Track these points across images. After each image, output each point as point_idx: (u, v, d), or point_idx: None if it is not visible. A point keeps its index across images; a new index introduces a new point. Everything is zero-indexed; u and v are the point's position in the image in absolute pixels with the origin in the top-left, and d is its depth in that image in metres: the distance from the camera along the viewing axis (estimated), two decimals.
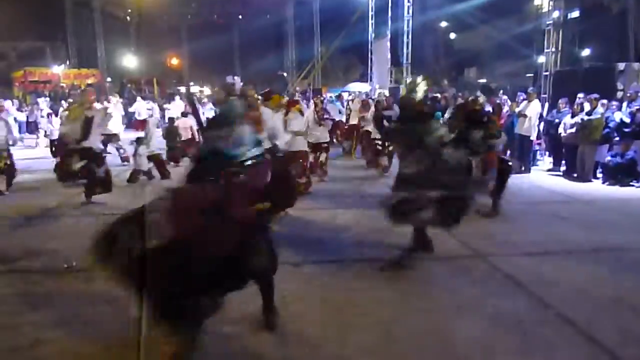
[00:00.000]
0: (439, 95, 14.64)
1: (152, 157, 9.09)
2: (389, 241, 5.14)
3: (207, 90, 26.72)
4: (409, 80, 21.95)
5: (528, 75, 22.91)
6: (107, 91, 22.55)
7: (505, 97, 12.69)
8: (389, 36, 24.01)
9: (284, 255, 3.61)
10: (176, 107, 15.85)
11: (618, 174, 8.82)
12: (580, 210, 7.02)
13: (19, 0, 27.12)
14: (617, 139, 9.10)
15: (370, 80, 26.09)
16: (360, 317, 3.59)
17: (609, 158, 9.07)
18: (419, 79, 5.00)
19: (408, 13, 22.15)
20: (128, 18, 32.43)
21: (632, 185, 8.68)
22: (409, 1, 22.04)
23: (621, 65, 11.64)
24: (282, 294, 3.58)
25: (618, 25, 16.05)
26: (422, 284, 4.29)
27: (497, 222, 6.24)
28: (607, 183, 8.90)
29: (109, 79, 28.96)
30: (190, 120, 10.98)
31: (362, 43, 26.57)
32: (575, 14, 18.21)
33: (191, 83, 31.44)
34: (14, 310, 3.71)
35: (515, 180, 9.31)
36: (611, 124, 9.10)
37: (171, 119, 11.80)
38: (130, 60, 31.48)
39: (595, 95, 9.30)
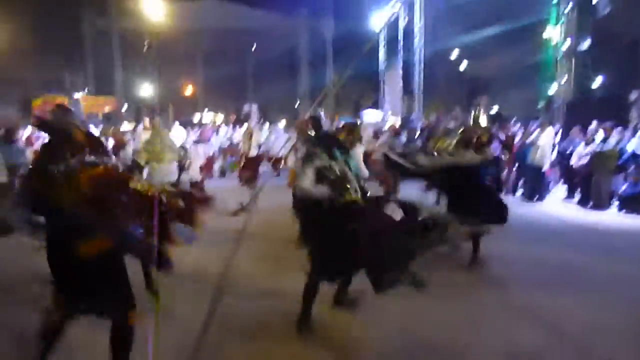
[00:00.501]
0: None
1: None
2: None
3: (220, 117, 27.08)
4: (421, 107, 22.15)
5: (540, 104, 22.94)
6: (123, 117, 23.02)
7: (517, 125, 12.70)
8: (401, 64, 24.36)
9: None
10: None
11: (634, 203, 8.72)
12: (596, 240, 6.94)
13: (38, 28, 28.02)
14: (632, 168, 9.05)
15: (382, 108, 26.34)
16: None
17: (624, 187, 8.99)
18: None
19: (419, 43, 22.51)
20: (145, 46, 33.30)
21: None
22: (420, 31, 22.43)
23: (634, 94, 11.65)
24: None
25: (629, 55, 16.10)
26: (434, 311, 4.24)
27: (512, 252, 6.18)
28: (623, 212, 8.81)
29: (125, 106, 29.61)
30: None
31: (375, 71, 26.96)
32: (587, 43, 18.31)
33: (205, 109, 31.98)
34: None
35: (529, 209, 9.30)
36: (625, 154, 9.07)
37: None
38: (146, 88, 32.22)
39: (610, 124, 9.30)
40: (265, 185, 8.51)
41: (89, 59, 29.79)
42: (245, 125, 14.80)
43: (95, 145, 3.14)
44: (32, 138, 12.92)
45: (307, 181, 3.76)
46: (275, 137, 13.76)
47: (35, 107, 26.69)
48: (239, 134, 14.43)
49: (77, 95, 28.39)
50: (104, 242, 2.87)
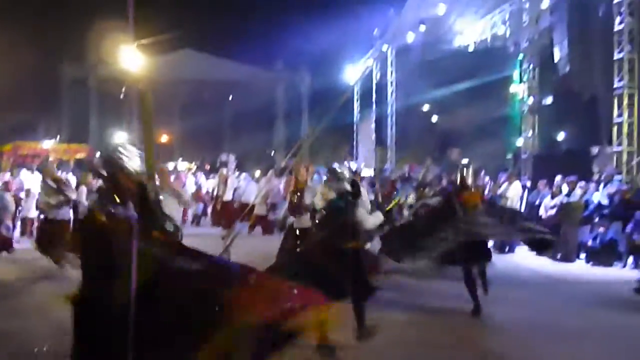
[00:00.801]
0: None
1: None
2: None
3: (193, 166, 27.03)
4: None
5: (508, 156, 23.72)
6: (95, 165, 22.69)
7: (487, 177, 13.06)
8: (374, 117, 25.05)
9: None
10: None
11: (601, 255, 8.94)
12: (564, 291, 7.04)
13: (16, 74, 27.92)
14: (597, 220, 9.34)
15: (356, 159, 26.75)
16: None
17: (590, 240, 9.23)
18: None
19: (392, 96, 23.31)
20: (122, 96, 33.41)
21: (615, 266, 8.78)
22: (392, 86, 23.27)
23: (595, 149, 12.22)
24: None
25: (589, 111, 16.94)
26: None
27: (483, 304, 6.19)
28: (590, 263, 8.99)
29: (98, 154, 29.25)
30: None
31: (348, 124, 27.59)
32: (549, 99, 19.26)
33: (180, 158, 31.89)
34: None
35: (500, 260, 9.39)
36: (591, 206, 9.37)
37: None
38: (121, 136, 32.03)
39: (573, 178, 9.65)
40: (238, 234, 8.53)
41: (64, 106, 29.64)
42: (222, 171, 14.89)
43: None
44: (10, 183, 12.51)
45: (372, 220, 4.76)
46: (246, 185, 13.88)
47: (5, 152, 26.16)
48: (211, 182, 14.47)
49: (49, 142, 28.01)
50: None
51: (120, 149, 3.16)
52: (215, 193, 13.61)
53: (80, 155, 26.08)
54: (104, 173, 3.15)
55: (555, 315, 5.73)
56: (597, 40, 15.49)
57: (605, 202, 9.36)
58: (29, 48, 27.60)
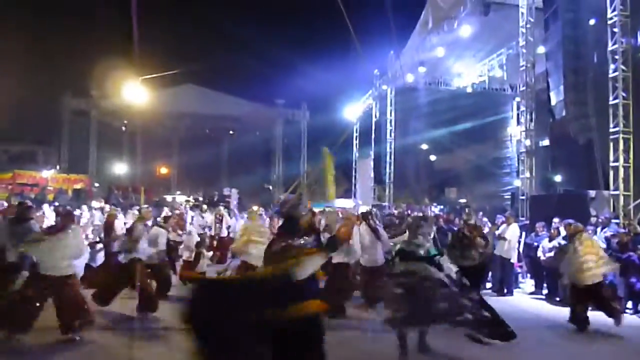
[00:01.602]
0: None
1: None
2: None
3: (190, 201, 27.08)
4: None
5: (506, 197, 23.79)
6: (93, 196, 22.66)
7: (485, 219, 13.05)
8: (372, 156, 25.25)
9: None
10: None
11: None
12: (567, 337, 6.91)
13: (16, 105, 28.23)
14: None
15: (354, 196, 26.80)
16: None
17: None
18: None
19: (390, 136, 23.57)
20: (123, 128, 33.72)
21: None
22: (391, 125, 23.57)
23: (592, 193, 12.26)
24: None
25: (585, 155, 17.08)
26: None
27: (484, 349, 6.07)
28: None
29: (96, 184, 29.26)
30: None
31: (347, 161, 27.78)
32: (546, 142, 19.47)
33: (178, 192, 31.87)
34: None
35: (498, 303, 9.27)
36: None
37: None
38: (120, 168, 32.14)
39: (570, 221, 9.61)
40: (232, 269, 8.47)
41: (65, 136, 29.85)
42: (218, 209, 14.95)
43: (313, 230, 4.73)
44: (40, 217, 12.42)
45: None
46: (237, 221, 13.93)
47: (3, 180, 26.15)
48: (208, 218, 14.45)
49: (48, 172, 28.04)
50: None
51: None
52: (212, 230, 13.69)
53: (78, 186, 26.08)
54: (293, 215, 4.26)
55: None
56: (592, 86, 15.81)
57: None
58: (31, 80, 28.05)
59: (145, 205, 14.64)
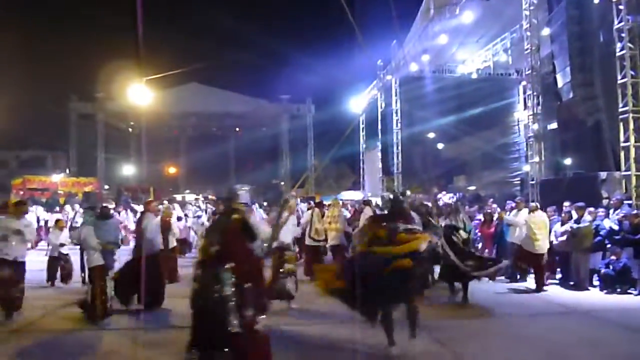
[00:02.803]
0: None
1: None
2: None
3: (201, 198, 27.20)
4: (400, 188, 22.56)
5: (515, 182, 23.62)
6: (103, 198, 22.83)
7: (495, 205, 12.95)
8: (379, 147, 25.14)
9: None
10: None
11: (614, 282, 8.73)
12: (580, 322, 6.84)
13: (25, 111, 28.50)
14: (609, 246, 9.17)
15: (363, 188, 26.76)
16: None
17: (604, 267, 9.03)
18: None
19: (397, 126, 23.45)
20: (130, 129, 33.91)
21: (630, 293, 8.56)
22: (397, 115, 23.44)
23: (603, 174, 12.11)
24: None
25: (594, 136, 16.92)
26: None
27: (496, 336, 6.06)
28: (604, 291, 8.78)
29: (106, 187, 29.49)
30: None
31: (354, 153, 27.70)
32: (554, 125, 19.28)
33: (187, 190, 32.02)
34: None
35: (512, 289, 9.24)
36: (602, 232, 9.21)
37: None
38: (129, 169, 32.36)
39: (581, 204, 9.52)
40: None
41: (73, 140, 30.08)
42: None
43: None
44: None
45: None
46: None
47: (14, 186, 26.45)
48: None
49: (58, 176, 28.29)
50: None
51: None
52: None
53: (88, 189, 26.27)
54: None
55: (572, 349, 5.56)
56: (599, 66, 15.61)
57: (616, 227, 9.22)
58: (38, 86, 28.26)
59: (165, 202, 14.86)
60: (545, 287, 9.10)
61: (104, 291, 6.49)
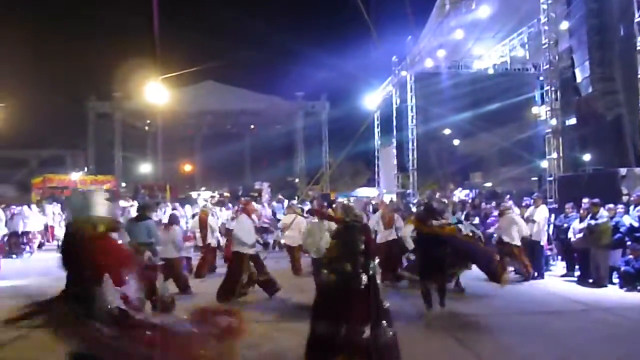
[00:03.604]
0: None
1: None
2: None
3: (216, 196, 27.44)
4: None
5: (533, 179, 23.33)
6: (120, 195, 23.15)
7: (511, 202, 12.81)
8: (395, 143, 25.00)
9: None
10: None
11: (634, 280, 8.58)
12: (599, 320, 6.75)
13: (44, 111, 29.00)
14: (629, 243, 9.01)
15: (378, 185, 26.67)
16: None
17: (624, 264, 8.88)
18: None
19: (412, 122, 23.29)
20: (147, 128, 34.29)
21: None
22: (412, 111, 23.29)
23: (623, 171, 11.88)
24: None
25: (614, 132, 16.59)
26: None
27: (515, 334, 6.01)
28: (624, 289, 8.63)
29: (123, 184, 29.89)
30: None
31: (369, 150, 27.59)
32: (572, 121, 18.96)
33: (203, 188, 32.28)
34: None
35: (529, 287, 9.15)
36: (622, 229, 9.06)
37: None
38: (145, 167, 32.75)
39: (597, 200, 9.36)
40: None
41: (91, 139, 30.52)
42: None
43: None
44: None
45: None
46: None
47: (35, 185, 26.99)
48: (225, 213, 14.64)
49: (77, 174, 28.76)
50: None
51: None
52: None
53: (107, 186, 26.66)
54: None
55: (591, 347, 5.49)
56: (619, 60, 15.30)
57: (636, 224, 9.05)
58: (57, 86, 28.71)
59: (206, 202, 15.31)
60: (563, 285, 8.98)
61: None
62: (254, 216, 8.65)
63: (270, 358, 5.13)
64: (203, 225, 10.45)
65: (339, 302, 4.30)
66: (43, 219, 16.22)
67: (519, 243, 9.56)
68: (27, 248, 14.31)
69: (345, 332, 4.15)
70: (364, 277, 4.33)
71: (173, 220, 8.83)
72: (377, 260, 4.62)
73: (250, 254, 7.90)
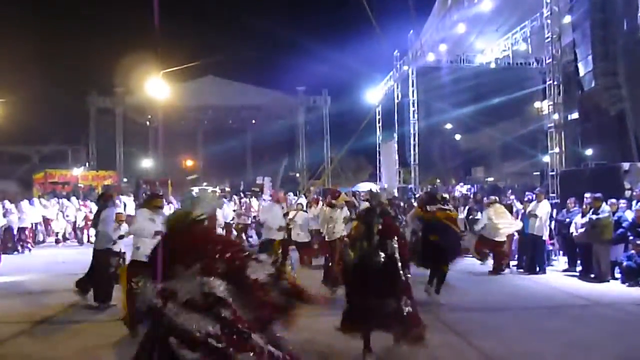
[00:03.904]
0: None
1: None
2: None
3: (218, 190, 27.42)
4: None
5: (535, 174, 23.27)
6: (121, 191, 23.13)
7: (512, 197, 12.78)
8: (396, 138, 24.94)
9: None
10: None
11: (636, 275, 8.56)
12: (601, 315, 6.74)
13: (45, 106, 29.00)
14: (632, 238, 8.98)
15: (379, 180, 26.63)
16: None
17: (626, 259, 8.85)
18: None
19: (414, 117, 23.22)
20: (148, 123, 34.26)
21: None
22: (413, 106, 23.22)
23: (626, 165, 11.83)
24: None
25: (617, 126, 16.55)
26: None
27: (518, 329, 6.00)
28: (626, 284, 8.62)
29: (125, 180, 29.87)
30: None
31: (371, 145, 27.54)
32: (575, 115, 18.90)
33: (204, 183, 32.26)
34: None
35: (531, 281, 9.14)
36: (625, 224, 9.03)
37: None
38: (147, 163, 32.76)
39: (598, 195, 9.32)
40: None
41: (92, 134, 30.49)
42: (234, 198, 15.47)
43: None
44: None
45: None
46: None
47: (36, 180, 27.00)
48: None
49: (78, 169, 28.77)
50: None
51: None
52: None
53: (108, 182, 26.65)
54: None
55: (591, 341, 5.48)
56: (622, 54, 15.22)
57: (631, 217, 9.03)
58: (58, 81, 28.68)
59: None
60: (564, 279, 8.99)
61: None
62: (283, 204, 9.50)
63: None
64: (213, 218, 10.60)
65: (365, 278, 4.73)
66: (42, 211, 16.21)
67: (501, 239, 9.95)
68: (28, 245, 14.22)
69: (375, 304, 4.61)
70: (383, 255, 4.73)
71: None
72: (395, 240, 4.93)
73: (279, 239, 8.51)
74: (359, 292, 4.74)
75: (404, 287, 4.77)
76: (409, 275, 4.92)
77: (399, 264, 4.83)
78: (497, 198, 11.04)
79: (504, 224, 10.07)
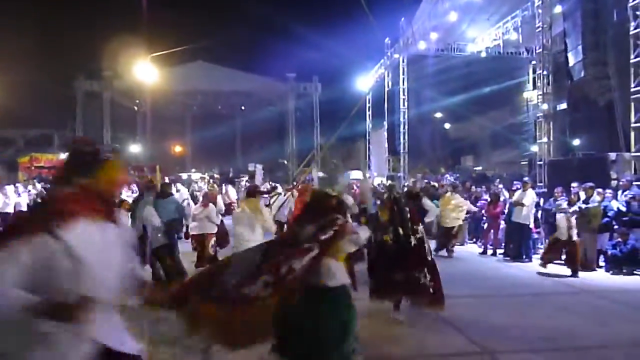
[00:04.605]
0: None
1: None
2: None
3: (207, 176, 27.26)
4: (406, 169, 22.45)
5: (523, 163, 23.45)
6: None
7: (501, 185, 12.87)
8: (386, 127, 24.94)
9: None
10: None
11: (621, 263, 8.70)
12: (586, 302, 6.85)
13: (31, 90, 28.48)
14: (617, 227, 9.11)
15: (369, 168, 26.67)
16: None
17: (611, 248, 8.98)
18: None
19: (404, 105, 23.21)
20: (136, 108, 33.85)
21: (636, 274, 8.54)
22: (404, 94, 23.20)
23: (613, 155, 11.96)
24: None
25: (606, 117, 16.67)
26: None
27: (504, 315, 6.07)
28: (611, 272, 8.76)
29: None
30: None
31: (361, 133, 27.51)
32: (564, 105, 19.00)
33: (193, 170, 32.07)
34: None
35: (518, 269, 9.24)
36: (610, 213, 9.15)
37: None
38: (135, 148, 32.42)
39: (590, 184, 9.43)
40: None
41: (79, 119, 30.06)
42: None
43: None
44: None
45: None
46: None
47: (22, 164, 26.60)
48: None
49: (64, 154, 28.40)
50: None
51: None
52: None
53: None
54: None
55: (575, 328, 5.57)
56: (612, 45, 15.28)
57: (623, 209, 9.15)
58: (44, 64, 28.15)
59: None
60: (550, 267, 9.09)
61: (177, 269, 6.62)
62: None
63: None
64: (212, 201, 10.57)
65: (396, 256, 5.52)
66: (26, 198, 15.98)
67: (451, 225, 10.79)
68: None
69: (401, 278, 5.43)
70: (412, 238, 5.55)
71: (209, 198, 9.21)
72: (421, 226, 5.81)
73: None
74: (387, 268, 5.50)
75: (429, 265, 5.56)
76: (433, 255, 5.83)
77: (427, 246, 5.67)
78: (449, 189, 11.80)
79: (450, 212, 10.90)
